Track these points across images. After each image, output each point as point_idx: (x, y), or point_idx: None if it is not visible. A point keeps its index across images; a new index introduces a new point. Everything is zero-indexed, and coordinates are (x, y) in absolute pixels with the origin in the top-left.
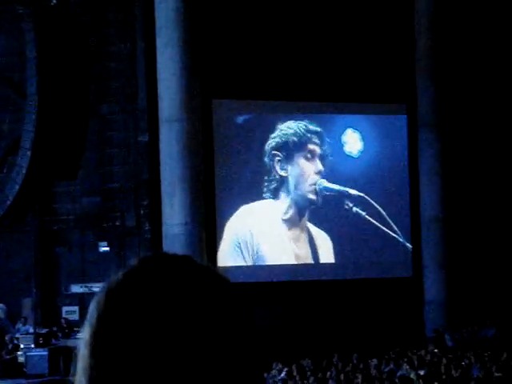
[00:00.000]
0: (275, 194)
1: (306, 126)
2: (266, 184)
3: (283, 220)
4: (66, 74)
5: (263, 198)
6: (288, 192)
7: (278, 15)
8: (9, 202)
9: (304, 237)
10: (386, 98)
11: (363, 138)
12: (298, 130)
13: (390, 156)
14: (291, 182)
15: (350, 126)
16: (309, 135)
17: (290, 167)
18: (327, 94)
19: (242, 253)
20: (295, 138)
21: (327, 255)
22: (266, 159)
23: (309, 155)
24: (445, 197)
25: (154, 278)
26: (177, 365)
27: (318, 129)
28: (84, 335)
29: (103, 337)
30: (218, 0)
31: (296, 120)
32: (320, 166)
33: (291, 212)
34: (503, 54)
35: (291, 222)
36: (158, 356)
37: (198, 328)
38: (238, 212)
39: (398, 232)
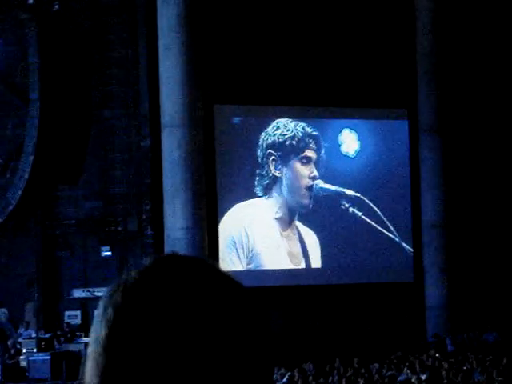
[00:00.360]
0: (267, 192)
1: (304, 128)
2: (257, 178)
3: (275, 219)
4: (68, 79)
5: (254, 193)
6: (280, 193)
7: (279, 22)
8: (11, 207)
9: (294, 235)
10: (387, 103)
11: (363, 141)
12: (296, 134)
13: (391, 161)
14: (284, 184)
15: (347, 127)
16: (307, 139)
17: (284, 169)
18: (328, 99)
19: (236, 250)
20: (294, 142)
21: (315, 253)
22: (259, 153)
23: (304, 160)
24: (446, 202)
25: (171, 278)
26: (191, 364)
27: (316, 133)
28: (96, 333)
29: (120, 334)
30: (220, 7)
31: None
32: (315, 173)
33: (282, 212)
34: (504, 59)
35: (283, 222)
36: (173, 355)
37: (213, 329)
38: (231, 210)
39: (395, 232)
